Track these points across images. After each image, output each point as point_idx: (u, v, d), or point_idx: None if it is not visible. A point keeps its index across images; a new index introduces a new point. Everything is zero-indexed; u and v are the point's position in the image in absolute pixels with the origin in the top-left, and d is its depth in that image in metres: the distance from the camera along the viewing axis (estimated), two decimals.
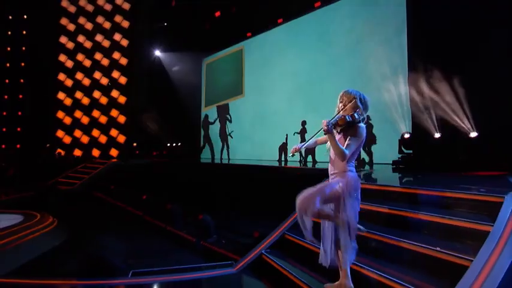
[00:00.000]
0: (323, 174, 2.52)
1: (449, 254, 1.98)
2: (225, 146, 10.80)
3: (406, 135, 5.89)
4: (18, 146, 13.10)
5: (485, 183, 3.27)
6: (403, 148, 6.03)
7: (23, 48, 13.44)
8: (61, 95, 12.56)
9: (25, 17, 13.43)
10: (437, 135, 5.42)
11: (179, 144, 12.10)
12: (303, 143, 2.33)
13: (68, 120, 12.53)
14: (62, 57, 12.64)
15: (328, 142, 2.13)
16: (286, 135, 8.50)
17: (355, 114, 2.07)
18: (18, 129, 13.20)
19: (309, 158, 7.91)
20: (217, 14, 11.28)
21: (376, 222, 2.77)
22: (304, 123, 8.08)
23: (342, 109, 2.16)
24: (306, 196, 2.01)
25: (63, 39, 12.67)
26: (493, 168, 4.46)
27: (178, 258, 4.02)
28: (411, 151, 5.94)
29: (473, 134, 4.98)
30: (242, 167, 7.70)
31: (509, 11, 4.55)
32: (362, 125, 2.10)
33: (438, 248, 2.03)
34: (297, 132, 8.05)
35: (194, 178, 7.73)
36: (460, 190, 2.70)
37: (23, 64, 13.36)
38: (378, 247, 2.49)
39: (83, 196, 8.47)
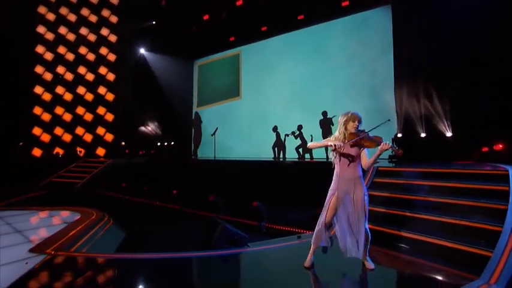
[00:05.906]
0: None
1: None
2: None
3: (399, 135, 7.43)
4: None
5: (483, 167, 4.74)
6: (394, 145, 7.55)
7: None
8: (38, 89, 11.51)
9: None
10: (423, 134, 7.05)
11: (172, 143, 12.20)
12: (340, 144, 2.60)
13: (46, 116, 11.54)
14: (40, 49, 11.59)
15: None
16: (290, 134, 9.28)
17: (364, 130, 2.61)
18: None
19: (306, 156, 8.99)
20: (206, 17, 11.69)
21: None
22: (300, 127, 9.13)
23: (346, 130, 2.68)
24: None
25: (41, 29, 11.63)
26: (464, 158, 6.18)
27: (251, 237, 4.68)
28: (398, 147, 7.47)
29: (449, 134, 6.70)
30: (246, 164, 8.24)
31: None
32: None
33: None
34: (294, 136, 9.04)
35: (209, 174, 8.21)
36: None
37: None
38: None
39: (89, 194, 8.19)
